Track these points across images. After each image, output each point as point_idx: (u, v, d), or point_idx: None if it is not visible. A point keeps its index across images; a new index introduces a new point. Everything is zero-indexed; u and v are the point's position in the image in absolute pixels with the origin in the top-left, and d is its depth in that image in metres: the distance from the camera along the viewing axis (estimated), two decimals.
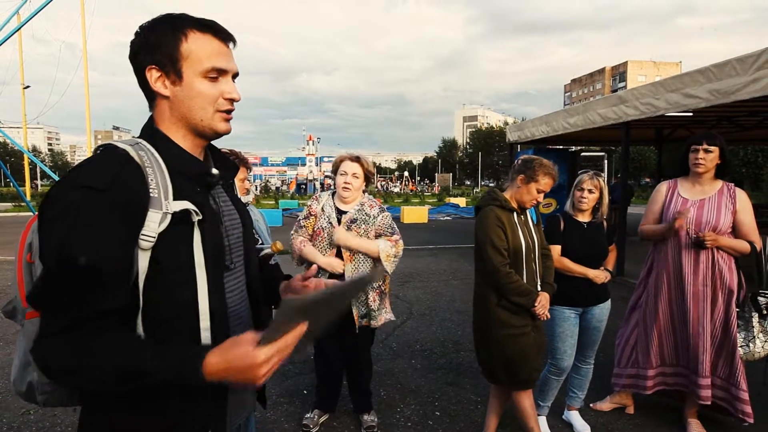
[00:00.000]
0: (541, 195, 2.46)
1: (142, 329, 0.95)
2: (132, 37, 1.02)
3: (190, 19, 1.03)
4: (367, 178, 2.87)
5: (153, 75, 1.02)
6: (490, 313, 2.47)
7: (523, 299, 2.40)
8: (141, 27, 1.03)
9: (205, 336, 1.00)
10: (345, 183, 2.79)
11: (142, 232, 0.93)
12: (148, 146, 1.01)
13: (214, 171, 1.09)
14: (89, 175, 0.92)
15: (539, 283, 2.52)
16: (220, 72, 1.04)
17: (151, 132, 1.05)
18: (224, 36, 1.05)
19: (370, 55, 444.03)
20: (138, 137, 1.06)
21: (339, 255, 2.81)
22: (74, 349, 0.89)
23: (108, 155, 0.97)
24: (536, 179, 2.43)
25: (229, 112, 1.07)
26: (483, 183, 76.77)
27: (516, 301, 2.40)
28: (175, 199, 0.97)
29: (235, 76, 1.08)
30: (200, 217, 0.99)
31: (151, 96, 1.05)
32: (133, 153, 0.97)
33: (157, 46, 1.00)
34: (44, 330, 0.90)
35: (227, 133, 1.09)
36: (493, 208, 2.47)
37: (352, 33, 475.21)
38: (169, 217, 0.95)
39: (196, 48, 1.01)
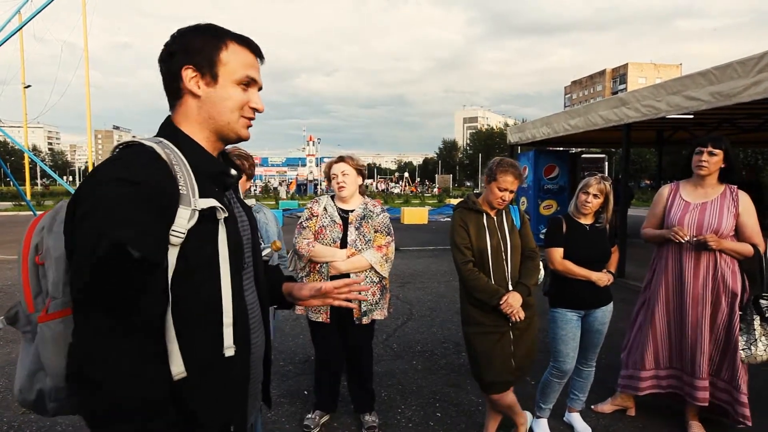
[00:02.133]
0: (507, 193, 2.51)
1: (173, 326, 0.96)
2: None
3: (230, 32, 1.12)
4: (360, 173, 2.94)
5: (188, 74, 1.06)
6: (463, 307, 2.63)
7: (485, 296, 2.48)
8: (180, 31, 1.08)
9: (228, 333, 1.02)
10: (338, 183, 2.89)
11: (173, 227, 0.94)
12: (171, 145, 1.03)
13: (233, 172, 1.13)
14: (124, 170, 0.93)
15: (510, 283, 2.56)
16: (251, 82, 1.11)
17: (172, 131, 1.07)
18: (258, 51, 1.14)
19: (370, 55, 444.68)
20: (156, 136, 1.07)
21: (342, 248, 2.87)
22: (133, 353, 0.89)
23: (137, 151, 0.98)
24: (496, 178, 2.51)
25: (250, 119, 1.13)
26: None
27: (479, 297, 2.50)
28: (200, 197, 0.99)
29: (259, 89, 1.15)
30: (226, 215, 1.02)
31: (178, 95, 1.08)
32: (159, 150, 0.98)
33: (198, 50, 1.06)
34: (92, 329, 0.89)
35: (247, 139, 1.14)
36: (461, 210, 2.64)
37: (352, 34, 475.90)
38: (197, 214, 0.97)
39: (234, 58, 1.09)
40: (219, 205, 1.00)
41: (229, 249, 1.03)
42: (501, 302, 2.46)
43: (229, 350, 1.02)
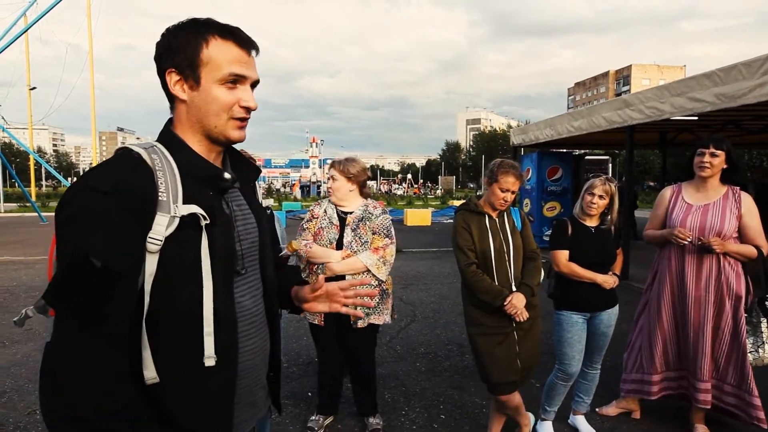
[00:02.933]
0: (508, 194, 2.52)
1: (147, 333, 0.95)
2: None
3: (215, 24, 1.03)
4: (350, 179, 2.91)
5: (172, 78, 1.03)
6: (465, 309, 2.65)
7: (489, 297, 2.49)
8: (167, 29, 1.04)
9: (209, 342, 0.99)
10: (328, 187, 2.99)
11: (150, 235, 0.93)
12: (163, 150, 1.02)
13: (227, 175, 1.08)
14: (99, 179, 0.93)
15: (514, 284, 2.57)
16: (238, 79, 1.03)
17: (167, 135, 1.07)
18: (246, 43, 1.05)
19: (371, 57, 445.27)
20: (156, 140, 1.07)
21: (338, 250, 2.88)
22: (79, 355, 0.88)
23: (121, 159, 0.98)
24: (497, 179, 2.52)
25: (243, 119, 1.06)
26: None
27: (483, 298, 2.51)
28: (185, 202, 0.97)
29: (255, 84, 1.07)
30: (208, 221, 0.99)
31: (171, 98, 1.06)
32: (145, 156, 0.98)
33: (178, 50, 1.01)
34: (62, 332, 0.90)
35: (240, 140, 1.08)
36: (463, 212, 2.65)
37: (353, 35, 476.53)
38: (176, 220, 0.95)
39: (216, 54, 1.01)
40: (200, 211, 0.98)
41: (214, 255, 1.00)
42: (505, 303, 2.46)
43: (210, 360, 0.99)
